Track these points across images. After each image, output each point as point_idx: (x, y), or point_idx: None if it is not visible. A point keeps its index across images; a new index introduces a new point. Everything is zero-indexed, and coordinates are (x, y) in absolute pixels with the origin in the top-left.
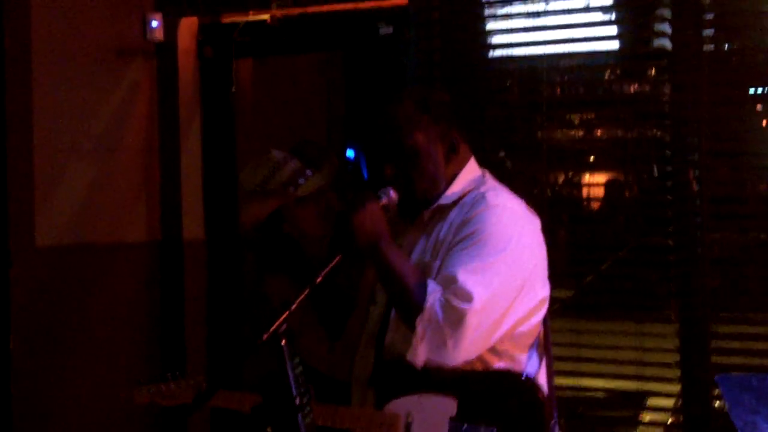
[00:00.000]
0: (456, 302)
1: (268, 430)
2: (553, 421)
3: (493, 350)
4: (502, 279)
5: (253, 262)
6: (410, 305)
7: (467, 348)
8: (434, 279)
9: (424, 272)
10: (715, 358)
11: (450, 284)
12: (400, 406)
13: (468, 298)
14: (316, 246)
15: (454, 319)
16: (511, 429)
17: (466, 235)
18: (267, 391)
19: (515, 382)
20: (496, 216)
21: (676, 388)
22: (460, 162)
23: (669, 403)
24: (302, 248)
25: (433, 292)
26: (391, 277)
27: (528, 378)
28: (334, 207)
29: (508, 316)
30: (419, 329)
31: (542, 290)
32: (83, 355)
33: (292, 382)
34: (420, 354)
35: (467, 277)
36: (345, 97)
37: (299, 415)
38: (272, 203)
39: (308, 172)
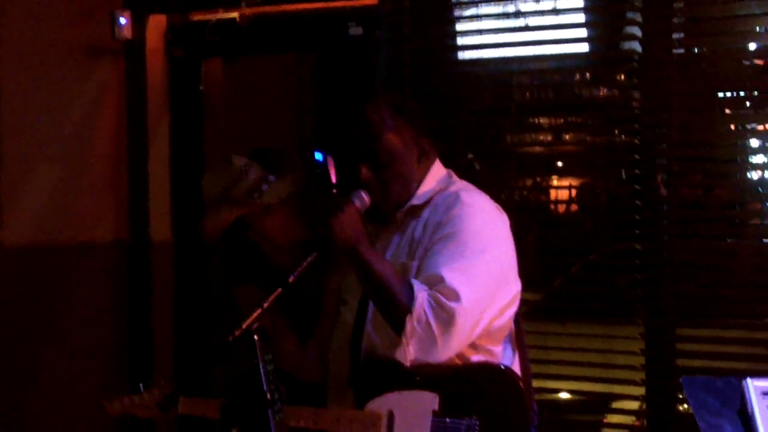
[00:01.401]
0: (445, 302)
1: (235, 430)
2: (533, 412)
3: (471, 345)
4: (484, 278)
5: (221, 268)
6: (397, 306)
7: (455, 345)
8: (415, 279)
9: (402, 273)
10: (681, 361)
11: (436, 284)
12: (381, 404)
13: (456, 297)
14: (283, 253)
15: (444, 318)
16: (494, 418)
17: (445, 235)
18: (237, 390)
19: (495, 372)
20: (473, 216)
21: (641, 390)
22: (430, 161)
23: (634, 405)
24: (266, 256)
25: (421, 292)
26: (374, 279)
27: (507, 367)
28: (303, 213)
29: (488, 312)
30: (408, 329)
31: (515, 285)
32: (50, 356)
33: (264, 378)
34: (410, 353)
35: (453, 276)
36: (315, 98)
37: (270, 411)
38: (236, 212)
39: (271, 177)
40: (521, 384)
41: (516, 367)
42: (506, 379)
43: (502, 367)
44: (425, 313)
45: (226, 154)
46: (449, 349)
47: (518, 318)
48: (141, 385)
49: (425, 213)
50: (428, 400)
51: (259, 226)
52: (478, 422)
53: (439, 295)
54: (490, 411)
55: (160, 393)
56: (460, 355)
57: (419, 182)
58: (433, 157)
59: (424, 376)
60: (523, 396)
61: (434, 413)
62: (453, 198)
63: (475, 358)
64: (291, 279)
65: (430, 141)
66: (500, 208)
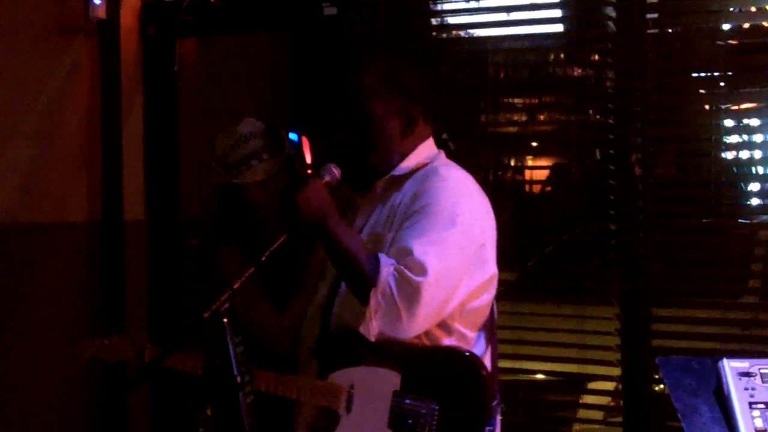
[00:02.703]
0: (410, 275)
1: (208, 409)
2: (495, 402)
3: (444, 327)
4: (456, 252)
5: (212, 229)
6: (362, 279)
7: (421, 321)
8: (387, 251)
9: (377, 244)
10: (656, 342)
11: (403, 257)
12: (343, 377)
13: (422, 271)
14: (269, 224)
15: (409, 292)
16: (452, 404)
17: (419, 207)
18: (207, 370)
19: (458, 358)
20: (449, 189)
21: (616, 371)
22: (418, 137)
23: (610, 386)
24: (257, 220)
25: (386, 266)
26: (340, 253)
27: (471, 354)
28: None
29: (460, 289)
30: (373, 303)
31: (493, 266)
32: (22, 335)
33: (233, 361)
34: (373, 327)
35: (421, 249)
36: (290, 78)
37: (240, 394)
38: (223, 179)
39: (264, 155)
40: (484, 373)
41: (488, 355)
42: (470, 366)
43: (467, 354)
44: (390, 286)
45: (199, 133)
46: (415, 324)
47: (493, 305)
48: (112, 329)
49: (406, 185)
50: (390, 379)
51: (246, 195)
52: (437, 407)
53: (404, 269)
54: (450, 397)
55: (134, 342)
56: (430, 337)
57: (403, 155)
58: (425, 131)
59: (389, 354)
60: (485, 386)
61: (395, 393)
62: (432, 171)
63: (447, 341)
64: (262, 258)
65: (423, 111)
66: (481, 189)
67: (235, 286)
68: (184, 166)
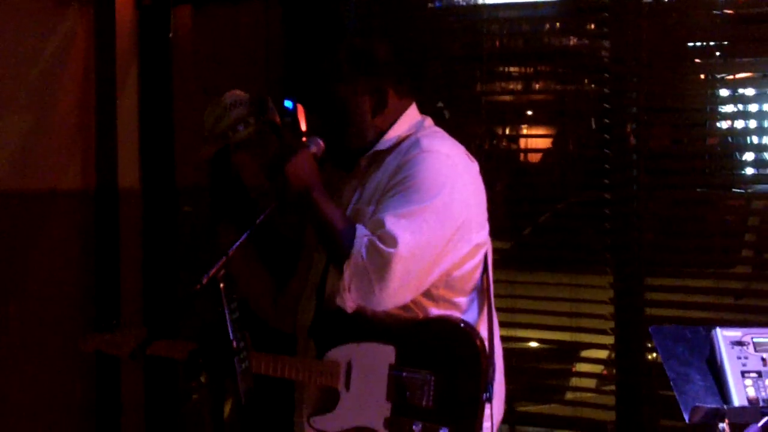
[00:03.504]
0: (381, 246)
1: (203, 378)
2: (492, 369)
3: (429, 295)
4: (432, 225)
5: (208, 206)
6: (340, 251)
7: (394, 293)
8: (365, 224)
9: (359, 218)
10: (649, 311)
11: (377, 229)
12: (340, 354)
13: (393, 243)
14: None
15: (379, 263)
16: (448, 374)
17: (398, 180)
18: (203, 339)
19: (452, 328)
20: (429, 161)
21: (609, 339)
22: (395, 111)
23: (603, 354)
24: (249, 195)
25: (360, 237)
26: (322, 224)
27: (467, 324)
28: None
29: (438, 264)
30: (346, 273)
31: (477, 236)
32: (16, 303)
33: (229, 326)
34: (348, 299)
35: (395, 221)
36: (284, 48)
37: (235, 359)
38: (213, 147)
39: (251, 120)
40: (477, 342)
41: (483, 322)
42: (463, 336)
43: (461, 324)
44: (362, 257)
45: (194, 103)
46: (389, 295)
47: (486, 270)
48: (114, 321)
49: (389, 159)
50: (385, 353)
51: (236, 164)
52: (433, 377)
53: (376, 240)
54: (445, 367)
55: (131, 336)
56: (420, 308)
57: (381, 130)
58: (403, 107)
59: (383, 329)
60: (478, 355)
61: (391, 366)
62: (414, 143)
63: (435, 310)
64: (254, 225)
65: (397, 85)
66: (469, 156)
67: (231, 253)
68: (179, 134)
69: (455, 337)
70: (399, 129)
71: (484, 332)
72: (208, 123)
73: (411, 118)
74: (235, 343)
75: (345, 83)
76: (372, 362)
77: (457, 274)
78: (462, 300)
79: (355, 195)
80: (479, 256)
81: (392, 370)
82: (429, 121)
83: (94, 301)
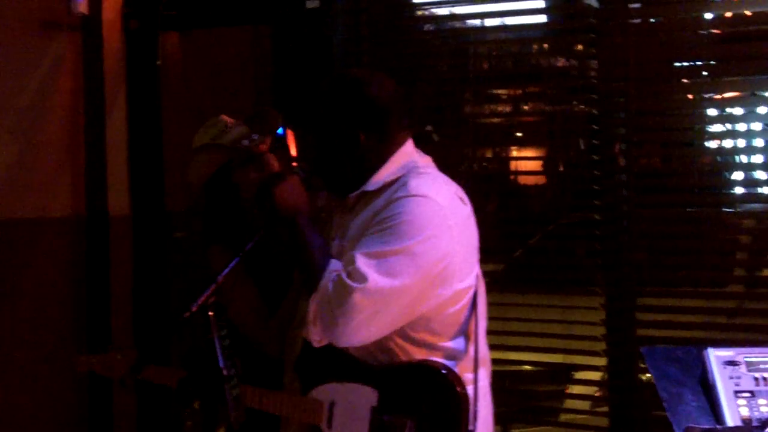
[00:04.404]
0: (348, 282)
1: (196, 404)
2: (474, 416)
3: (409, 339)
4: (404, 268)
5: (197, 231)
6: (310, 282)
7: (356, 329)
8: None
9: (339, 255)
10: (641, 331)
11: (348, 265)
12: (324, 393)
13: (362, 280)
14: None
15: (343, 297)
16: (429, 422)
17: (379, 219)
18: (193, 364)
19: (434, 375)
20: (412, 205)
21: (602, 361)
22: (388, 148)
23: (596, 375)
24: (244, 215)
25: (330, 272)
26: (301, 252)
27: (449, 371)
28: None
29: (409, 307)
30: (312, 306)
31: (460, 283)
32: (6, 331)
33: (220, 354)
34: (313, 332)
35: (365, 260)
36: (273, 71)
37: (226, 387)
38: (221, 156)
39: (254, 136)
40: (459, 390)
41: (468, 366)
42: (445, 384)
43: (443, 371)
44: (327, 291)
45: (183, 127)
46: (351, 331)
47: (474, 309)
48: (109, 346)
49: (377, 200)
50: (368, 395)
51: (238, 179)
52: (414, 423)
53: (344, 275)
54: (426, 413)
55: (123, 359)
56: (402, 350)
57: (370, 166)
58: (398, 141)
59: (367, 370)
60: (459, 403)
61: (373, 409)
62: (402, 185)
63: (418, 354)
64: (244, 250)
65: (393, 125)
66: (462, 198)
67: (220, 280)
68: (169, 158)
69: (436, 383)
70: (389, 168)
71: (468, 376)
72: (205, 138)
73: (404, 156)
74: (225, 371)
75: (321, 132)
76: (355, 403)
77: (437, 319)
78: (445, 344)
79: (340, 231)
80: (463, 302)
81: (374, 413)
82: (424, 160)
83: (86, 326)
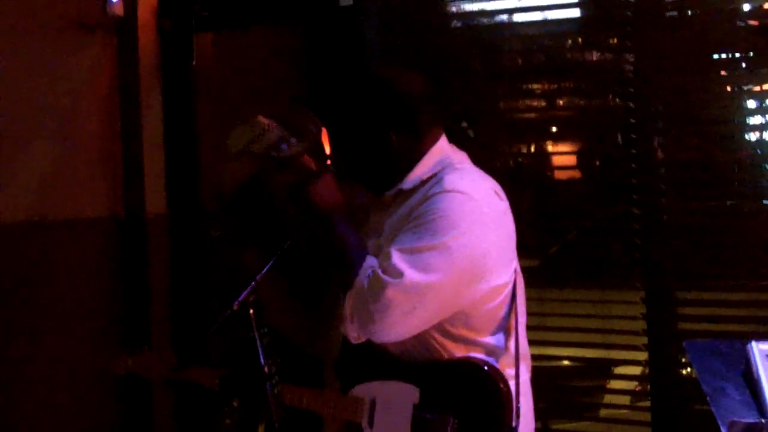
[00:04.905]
0: (383, 277)
1: (235, 402)
2: (517, 412)
3: (449, 335)
4: (440, 264)
5: (231, 233)
6: (346, 278)
7: (393, 325)
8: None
9: (375, 252)
10: (682, 325)
11: (384, 261)
12: (365, 391)
13: (397, 275)
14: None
15: (378, 290)
16: (471, 418)
17: (415, 216)
18: (234, 362)
19: (476, 372)
20: (448, 201)
21: (643, 355)
22: (422, 146)
23: (636, 370)
24: (279, 218)
25: (366, 268)
26: (337, 249)
27: (491, 367)
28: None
29: (447, 303)
30: (348, 303)
31: (497, 278)
32: (45, 333)
33: (261, 352)
34: (350, 328)
35: (401, 256)
36: (307, 70)
37: (267, 384)
38: (255, 165)
39: (293, 140)
40: (501, 386)
41: (509, 362)
42: (487, 380)
43: (485, 367)
44: (363, 287)
45: (218, 127)
46: (388, 327)
47: (513, 304)
48: (145, 347)
49: (413, 197)
50: (410, 393)
51: (275, 182)
52: (456, 420)
53: (380, 271)
54: (468, 410)
55: (161, 360)
56: (443, 347)
57: (405, 164)
58: (432, 138)
59: (408, 368)
60: (502, 399)
61: (415, 406)
62: (437, 182)
63: (459, 351)
64: (276, 256)
65: (427, 122)
66: (498, 193)
67: (258, 278)
68: (204, 158)
69: (478, 380)
70: (424, 166)
71: (509, 371)
72: (240, 142)
73: (438, 152)
74: (266, 368)
75: (364, 121)
76: (396, 401)
77: (476, 315)
78: (485, 340)
79: (377, 230)
80: (501, 297)
81: (416, 410)
82: (459, 155)
83: (124, 326)
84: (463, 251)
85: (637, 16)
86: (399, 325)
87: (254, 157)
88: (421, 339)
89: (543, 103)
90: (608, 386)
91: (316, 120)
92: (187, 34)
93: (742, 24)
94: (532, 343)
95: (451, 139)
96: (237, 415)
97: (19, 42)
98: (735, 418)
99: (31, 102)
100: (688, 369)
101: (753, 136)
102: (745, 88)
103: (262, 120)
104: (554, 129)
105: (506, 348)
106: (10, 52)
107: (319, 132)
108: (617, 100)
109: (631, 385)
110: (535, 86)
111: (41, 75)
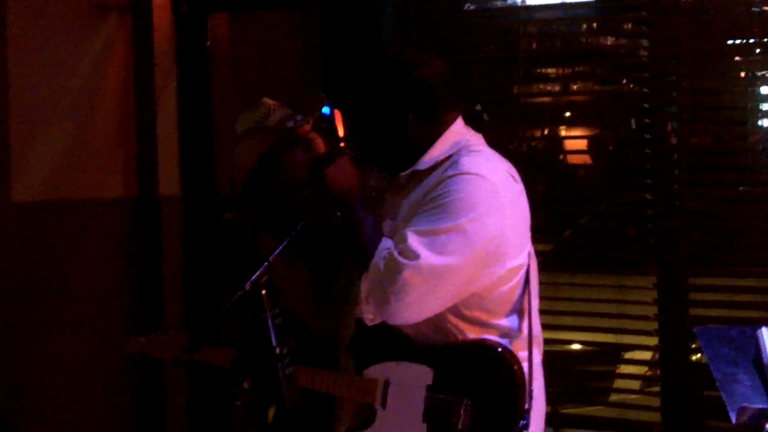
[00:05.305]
0: (399, 259)
1: (246, 384)
2: (530, 394)
3: (463, 317)
4: (456, 245)
5: (246, 217)
6: (362, 260)
7: (409, 306)
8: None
9: (392, 234)
10: (694, 311)
11: (399, 243)
12: (378, 372)
13: (413, 257)
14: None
15: (394, 272)
16: (484, 399)
17: (431, 198)
18: (246, 344)
19: (490, 353)
20: (465, 183)
21: (654, 341)
22: (438, 127)
23: (647, 355)
24: (292, 199)
25: (382, 250)
26: (353, 231)
27: (504, 349)
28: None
29: (463, 285)
30: (364, 285)
31: (512, 260)
32: (60, 311)
33: (272, 333)
34: (366, 310)
35: (417, 238)
36: (321, 52)
37: (279, 365)
38: (267, 140)
39: (298, 117)
40: (515, 368)
41: (523, 344)
42: (501, 361)
43: (498, 348)
44: (379, 269)
45: (233, 108)
46: (404, 308)
47: (527, 287)
48: (157, 326)
49: (429, 179)
50: (423, 374)
51: (285, 161)
52: (469, 402)
53: (396, 253)
54: (482, 392)
55: (174, 340)
56: (457, 329)
57: (421, 145)
58: (448, 120)
59: (422, 349)
60: (516, 381)
61: (428, 388)
62: (453, 163)
63: (473, 333)
64: (290, 237)
65: (443, 104)
66: (514, 176)
67: (271, 259)
68: (219, 140)
69: (492, 362)
70: (440, 147)
71: (523, 354)
72: (249, 123)
73: (454, 134)
74: (278, 350)
75: (381, 103)
76: (409, 382)
77: (491, 297)
78: (499, 322)
79: (392, 211)
80: (516, 279)
81: (429, 392)
82: (475, 138)
83: (138, 306)
84: (479, 234)
85: (653, 1)
86: (415, 307)
87: (262, 134)
88: (436, 321)
89: (557, 88)
90: (619, 371)
91: (325, 99)
92: (203, 15)
93: (757, 10)
94: (544, 327)
95: (466, 122)
96: (249, 397)
97: (35, 24)
98: (745, 404)
99: (47, 84)
100: (699, 355)
101: (767, 122)
102: (759, 74)
103: (267, 101)
104: (568, 114)
105: (519, 330)
106: (26, 35)
107: (330, 113)
108: (632, 85)
109: (641, 370)
110: (550, 71)
111: (57, 57)
